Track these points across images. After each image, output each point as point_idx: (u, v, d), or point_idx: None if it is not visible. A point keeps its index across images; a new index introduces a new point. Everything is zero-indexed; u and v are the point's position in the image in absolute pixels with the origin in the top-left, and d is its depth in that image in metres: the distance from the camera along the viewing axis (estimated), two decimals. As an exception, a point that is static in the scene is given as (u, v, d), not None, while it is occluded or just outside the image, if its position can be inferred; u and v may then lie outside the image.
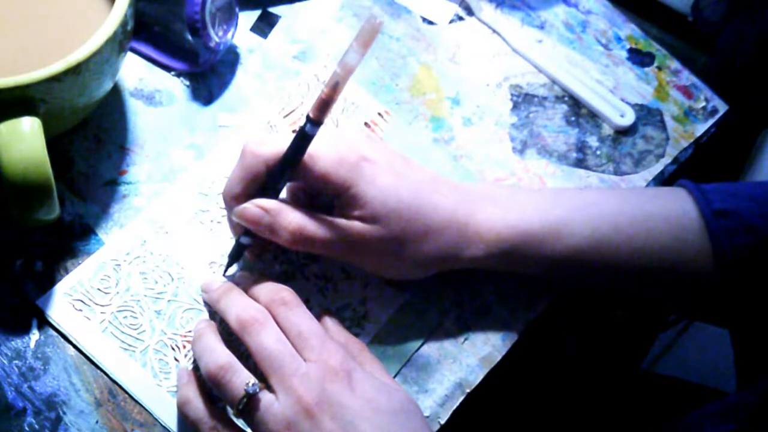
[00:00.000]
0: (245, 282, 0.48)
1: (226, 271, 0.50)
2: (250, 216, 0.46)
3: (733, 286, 0.49)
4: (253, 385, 0.42)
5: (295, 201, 0.48)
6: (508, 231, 0.48)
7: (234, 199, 0.47)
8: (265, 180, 0.46)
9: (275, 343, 0.43)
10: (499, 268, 0.49)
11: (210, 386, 0.45)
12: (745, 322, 0.53)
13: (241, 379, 0.43)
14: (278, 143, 0.46)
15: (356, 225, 0.46)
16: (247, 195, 0.46)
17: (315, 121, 0.44)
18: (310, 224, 0.46)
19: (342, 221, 0.46)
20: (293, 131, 0.55)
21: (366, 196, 0.45)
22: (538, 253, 0.48)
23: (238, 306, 0.45)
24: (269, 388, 0.43)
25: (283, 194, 0.49)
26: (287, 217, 0.46)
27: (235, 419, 0.45)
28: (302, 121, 0.44)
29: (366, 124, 0.57)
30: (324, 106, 0.43)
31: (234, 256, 0.50)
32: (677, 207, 0.50)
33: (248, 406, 0.42)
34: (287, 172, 0.46)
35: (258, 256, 0.50)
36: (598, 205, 0.49)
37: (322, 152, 0.46)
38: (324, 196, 0.48)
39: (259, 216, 0.46)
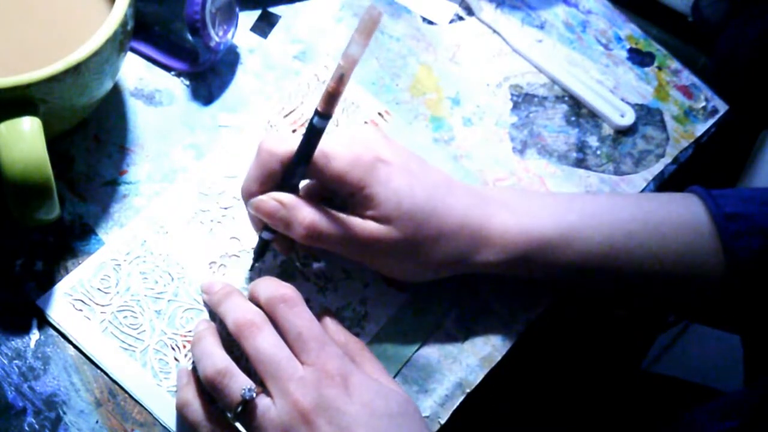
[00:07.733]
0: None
1: (252, 266, 0.51)
2: (265, 209, 0.46)
3: (744, 290, 0.49)
4: (250, 390, 0.42)
5: (310, 199, 0.48)
6: (521, 236, 0.48)
7: (251, 196, 0.47)
8: (281, 177, 0.46)
9: (272, 348, 0.43)
10: (511, 273, 0.49)
11: (207, 390, 0.45)
12: (756, 326, 0.53)
13: (239, 384, 0.43)
14: (294, 141, 0.46)
15: (370, 225, 0.46)
16: (263, 192, 0.46)
17: (323, 114, 0.44)
18: (325, 221, 0.45)
19: (356, 220, 0.46)
20: (293, 131, 0.55)
21: (380, 197, 0.45)
22: (552, 258, 0.48)
23: (237, 309, 0.45)
24: (267, 392, 0.43)
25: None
26: (302, 211, 0.45)
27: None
28: (308, 118, 0.44)
29: (366, 123, 0.56)
30: (331, 98, 0.43)
31: (259, 252, 0.50)
32: (689, 212, 0.50)
33: (245, 411, 0.42)
34: (301, 168, 0.46)
35: (287, 252, 0.50)
36: (611, 211, 0.49)
37: (337, 152, 0.45)
38: (339, 195, 0.48)
39: (274, 209, 0.46)
